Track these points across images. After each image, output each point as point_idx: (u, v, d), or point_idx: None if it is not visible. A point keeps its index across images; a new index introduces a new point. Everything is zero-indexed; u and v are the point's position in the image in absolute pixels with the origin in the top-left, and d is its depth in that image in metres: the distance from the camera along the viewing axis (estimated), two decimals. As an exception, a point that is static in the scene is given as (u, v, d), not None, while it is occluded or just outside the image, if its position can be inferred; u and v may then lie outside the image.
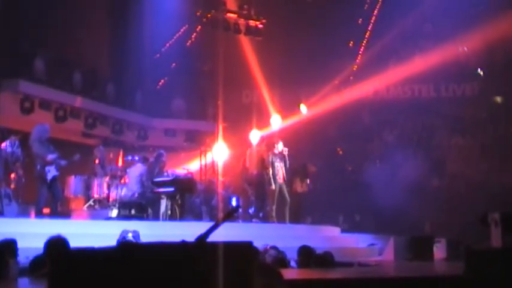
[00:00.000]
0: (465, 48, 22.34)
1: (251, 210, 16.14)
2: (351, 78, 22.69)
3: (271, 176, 14.45)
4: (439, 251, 12.49)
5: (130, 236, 9.11)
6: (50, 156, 12.29)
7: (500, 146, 20.81)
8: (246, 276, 2.32)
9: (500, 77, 21.84)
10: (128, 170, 14.80)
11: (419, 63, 21.68)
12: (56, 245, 6.18)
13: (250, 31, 20.87)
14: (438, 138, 21.95)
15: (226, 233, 2.32)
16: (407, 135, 22.42)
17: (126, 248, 3.25)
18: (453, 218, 17.88)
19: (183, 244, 2.23)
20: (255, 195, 15.49)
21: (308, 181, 16.30)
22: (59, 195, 12.80)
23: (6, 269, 6.06)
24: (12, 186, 12.88)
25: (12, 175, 12.97)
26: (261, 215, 15.42)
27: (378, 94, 22.81)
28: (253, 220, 14.80)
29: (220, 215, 14.76)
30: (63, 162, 12.67)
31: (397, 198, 18.25)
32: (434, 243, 12.43)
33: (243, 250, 2.36)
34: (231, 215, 6.46)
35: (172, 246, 2.21)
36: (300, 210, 15.40)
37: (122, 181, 15.01)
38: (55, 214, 12.36)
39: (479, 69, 22.34)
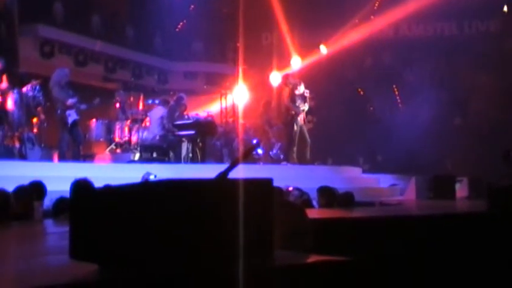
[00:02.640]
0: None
1: (272, 153, 16.14)
2: (372, 17, 22.30)
3: (293, 116, 14.31)
4: (461, 189, 12.42)
5: (152, 178, 9.21)
6: (70, 101, 12.37)
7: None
8: (267, 212, 2.31)
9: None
10: (148, 114, 14.83)
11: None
12: (81, 186, 6.26)
13: (269, -29, 20.50)
14: (461, 77, 21.60)
15: (247, 174, 2.29)
16: (430, 75, 22.11)
17: (147, 184, 3.27)
18: (475, 157, 17.77)
19: (204, 180, 2.22)
20: (282, 136, 15.38)
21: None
22: (80, 139, 12.91)
23: (31, 210, 6.17)
24: (35, 130, 12.96)
25: (35, 119, 13.05)
26: (281, 156, 15.37)
27: (399, 33, 22.45)
28: (282, 163, 14.70)
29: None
30: (83, 106, 12.77)
31: (418, 138, 18.17)
32: (456, 182, 12.37)
33: (263, 186, 2.34)
34: (251, 151, 6.44)
35: (193, 182, 2.19)
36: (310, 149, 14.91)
37: (143, 124, 15.04)
38: (78, 158, 12.50)
39: (503, 5, 21.81)
